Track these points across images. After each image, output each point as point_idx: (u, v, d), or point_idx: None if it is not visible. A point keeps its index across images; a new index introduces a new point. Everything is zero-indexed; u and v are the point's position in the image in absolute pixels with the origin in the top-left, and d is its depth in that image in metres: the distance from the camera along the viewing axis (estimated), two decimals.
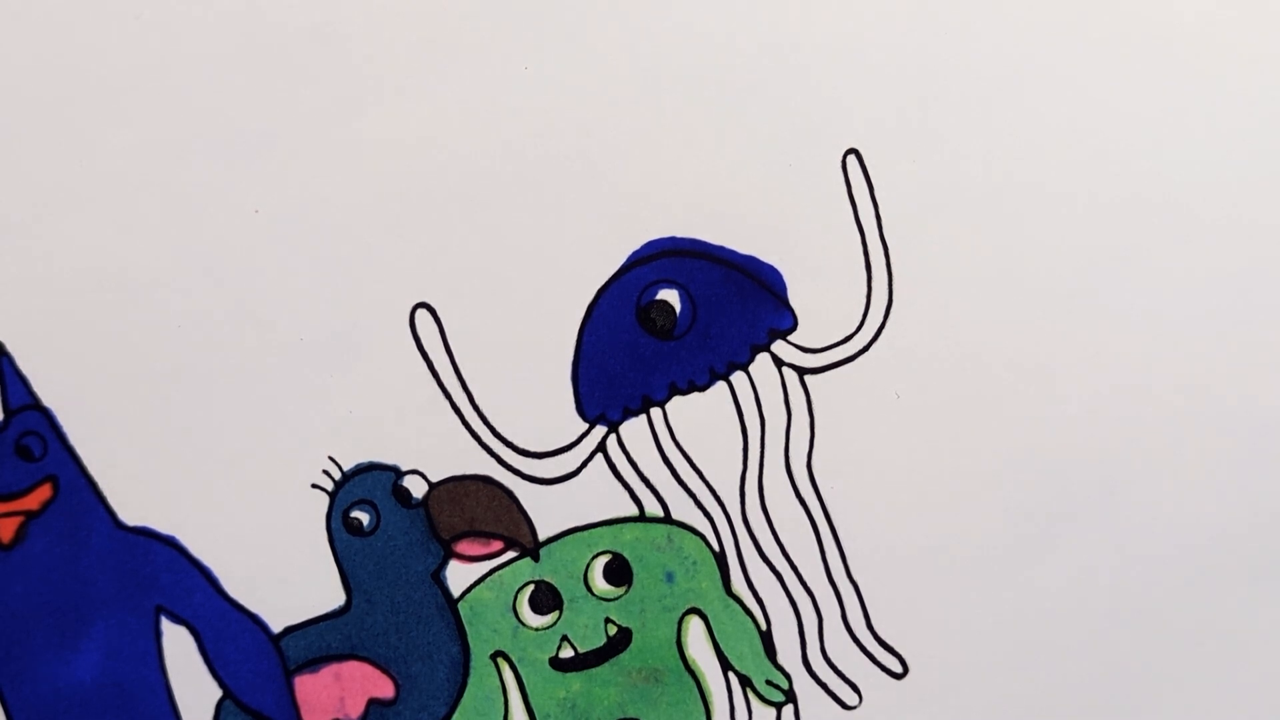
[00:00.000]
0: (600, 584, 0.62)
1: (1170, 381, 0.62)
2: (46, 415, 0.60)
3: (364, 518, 0.61)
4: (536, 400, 0.61)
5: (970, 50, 0.61)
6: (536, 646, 0.62)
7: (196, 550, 0.60)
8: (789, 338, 0.62)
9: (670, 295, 0.61)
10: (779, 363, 0.62)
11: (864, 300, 0.61)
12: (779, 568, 0.62)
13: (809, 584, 0.62)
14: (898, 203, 0.61)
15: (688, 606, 0.62)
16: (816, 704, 0.63)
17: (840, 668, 0.62)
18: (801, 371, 0.62)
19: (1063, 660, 0.63)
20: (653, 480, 0.62)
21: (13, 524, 0.60)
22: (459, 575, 0.62)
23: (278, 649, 0.61)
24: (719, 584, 0.62)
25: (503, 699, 0.62)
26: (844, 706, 0.63)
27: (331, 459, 0.61)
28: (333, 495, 0.61)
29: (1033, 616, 0.62)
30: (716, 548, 0.62)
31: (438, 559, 0.61)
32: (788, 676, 0.62)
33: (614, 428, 0.61)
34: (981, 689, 0.63)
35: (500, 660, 0.62)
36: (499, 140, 0.60)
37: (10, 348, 0.60)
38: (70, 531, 0.60)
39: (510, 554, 0.62)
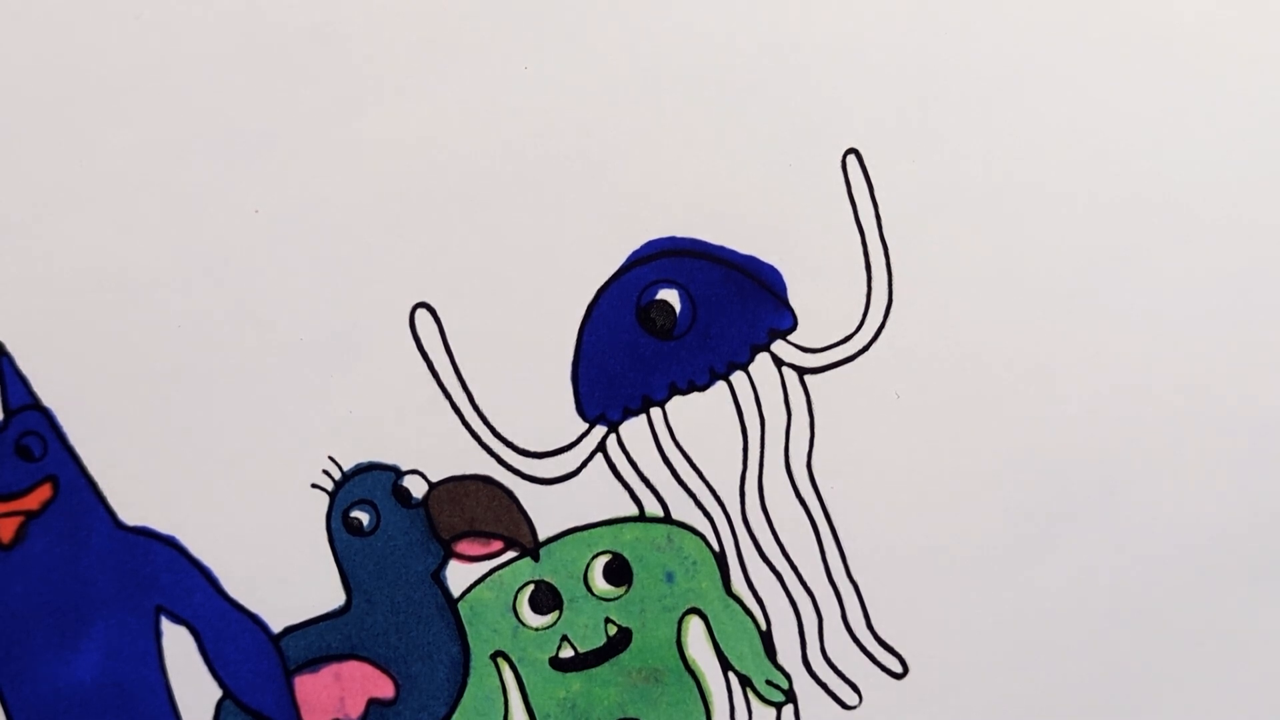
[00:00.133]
0: (600, 584, 0.62)
1: (1170, 381, 0.62)
2: (46, 415, 0.60)
3: (364, 518, 0.61)
4: (536, 400, 0.61)
5: (970, 50, 0.61)
6: (536, 646, 0.62)
7: (196, 550, 0.60)
8: (789, 338, 0.62)
9: (670, 295, 0.61)
10: (779, 363, 0.62)
11: (864, 300, 0.61)
12: (779, 568, 0.62)
13: (809, 584, 0.62)
14: (898, 203, 0.61)
15: (688, 606, 0.62)
16: (816, 704, 0.63)
17: (840, 668, 0.62)
18: (801, 371, 0.62)
19: (1063, 660, 0.63)
20: (653, 480, 0.62)
21: (13, 524, 0.60)
22: (459, 575, 0.62)
23: (278, 649, 0.61)
24: (719, 584, 0.62)
25: (503, 699, 0.62)
26: (844, 706, 0.63)
27: (331, 459, 0.61)
28: (333, 495, 0.61)
29: (1033, 616, 0.62)
30: (716, 548, 0.62)
31: (438, 559, 0.61)
32: (788, 676, 0.62)
33: (614, 428, 0.61)
34: (981, 689, 0.63)
35: (500, 660, 0.62)
36: (499, 140, 0.60)
37: (10, 348, 0.60)
38: (70, 531, 0.60)
39: (510, 554, 0.62)
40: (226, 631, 0.60)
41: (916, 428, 0.62)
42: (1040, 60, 0.61)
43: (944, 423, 0.62)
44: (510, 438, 0.61)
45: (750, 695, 0.63)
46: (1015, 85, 0.61)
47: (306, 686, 0.61)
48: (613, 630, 0.62)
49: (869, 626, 0.62)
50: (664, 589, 0.62)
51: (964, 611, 0.62)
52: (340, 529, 0.61)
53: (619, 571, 0.62)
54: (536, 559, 0.62)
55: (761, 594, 0.62)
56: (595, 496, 0.62)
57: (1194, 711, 0.63)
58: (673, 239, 0.61)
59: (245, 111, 0.60)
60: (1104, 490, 0.62)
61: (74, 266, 0.59)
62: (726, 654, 0.62)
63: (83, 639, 0.60)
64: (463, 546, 0.61)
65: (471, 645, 0.62)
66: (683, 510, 0.62)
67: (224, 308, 0.60)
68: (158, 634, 0.60)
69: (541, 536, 0.62)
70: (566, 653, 0.62)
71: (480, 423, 0.61)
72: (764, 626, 0.62)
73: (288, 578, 0.61)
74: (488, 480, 0.61)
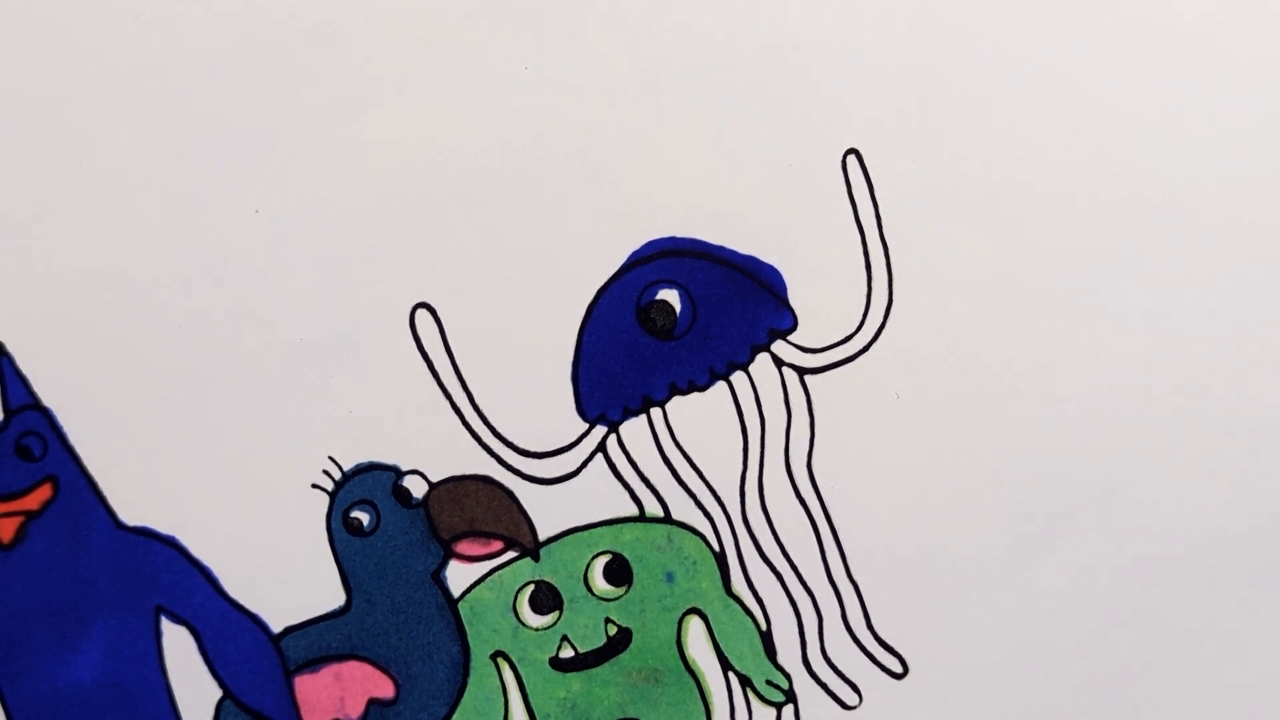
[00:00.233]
0: (600, 584, 0.62)
1: (1170, 381, 0.62)
2: (46, 415, 0.60)
3: (364, 518, 0.61)
4: (536, 400, 0.61)
5: (970, 50, 0.61)
6: (536, 646, 0.62)
7: (196, 550, 0.60)
8: (789, 338, 0.62)
9: (670, 295, 0.61)
10: (779, 363, 0.62)
11: (864, 300, 0.61)
12: (779, 568, 0.62)
13: (809, 584, 0.62)
14: (898, 203, 0.61)
15: (688, 606, 0.62)
16: (816, 704, 0.63)
17: (840, 668, 0.62)
18: (801, 371, 0.62)
19: (1063, 660, 0.63)
20: (653, 480, 0.62)
21: (13, 524, 0.60)
22: (459, 575, 0.62)
23: (278, 649, 0.61)
24: (719, 584, 0.62)
25: (503, 699, 0.62)
26: (844, 706, 0.63)
27: (331, 459, 0.61)
28: (333, 495, 0.61)
29: (1033, 616, 0.62)
30: (716, 548, 0.62)
31: (438, 559, 0.61)
32: (788, 676, 0.62)
33: (614, 428, 0.61)
34: (981, 689, 0.63)
35: (500, 660, 0.62)
36: (499, 140, 0.60)
37: (10, 348, 0.60)
38: (70, 531, 0.60)
39: (510, 554, 0.62)
40: (226, 631, 0.60)
41: (916, 428, 0.62)
42: (1040, 60, 0.61)
43: (944, 423, 0.62)
44: (510, 438, 0.61)
45: (750, 695, 0.63)
46: (1015, 85, 0.61)
47: (306, 686, 0.61)
48: (613, 630, 0.62)
49: (869, 626, 0.62)
50: (664, 589, 0.62)
51: (964, 611, 0.62)
52: (340, 529, 0.61)
53: (619, 571, 0.62)
54: (536, 559, 0.62)
55: (761, 594, 0.62)
56: (595, 496, 0.62)
57: (1194, 711, 0.63)
58: (673, 239, 0.61)
59: (245, 111, 0.60)
60: (1104, 490, 0.62)
61: (74, 266, 0.59)
62: (726, 654, 0.62)
63: (83, 639, 0.60)
64: (463, 546, 0.61)
65: (471, 645, 0.62)
66: (683, 510, 0.62)
67: (224, 308, 0.60)
68: (158, 634, 0.60)
69: (541, 536, 0.62)
70: (566, 653, 0.62)
71: (480, 423, 0.61)
72: (764, 626, 0.62)
73: (288, 578, 0.61)
74: (488, 480, 0.61)
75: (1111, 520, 0.62)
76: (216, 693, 0.61)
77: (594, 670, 0.62)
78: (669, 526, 0.62)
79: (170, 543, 0.60)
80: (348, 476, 0.61)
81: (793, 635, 0.62)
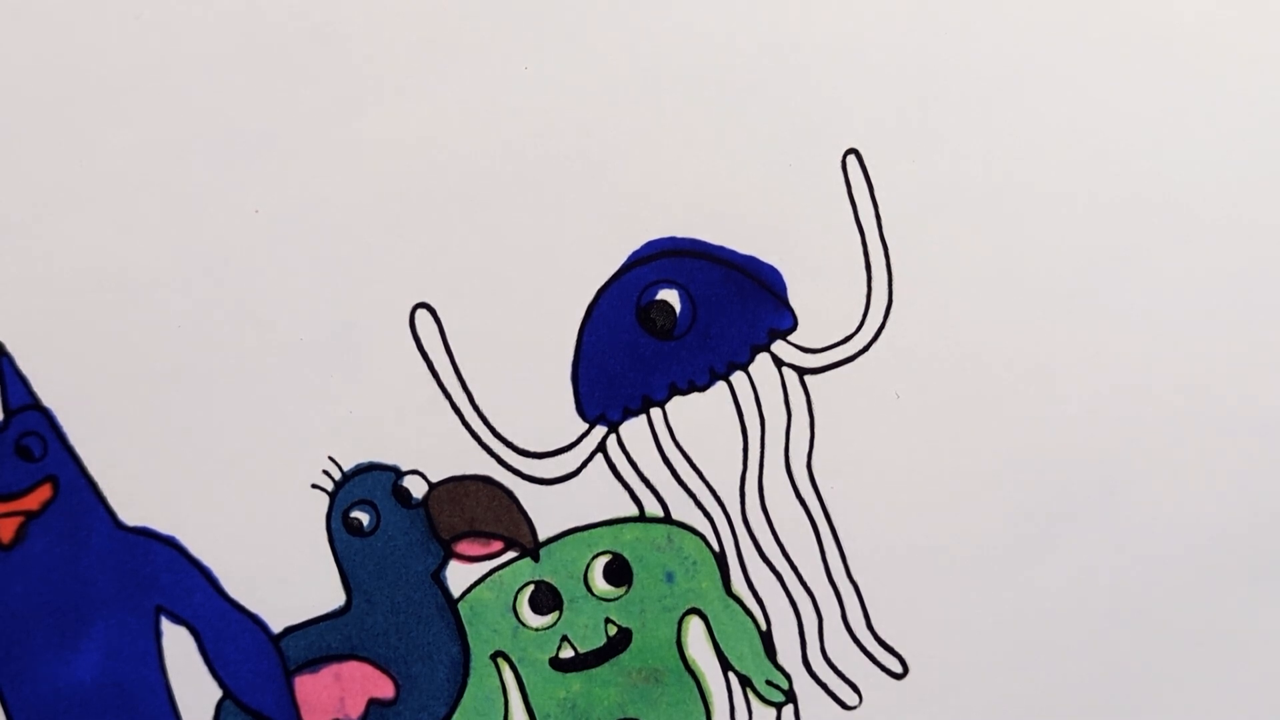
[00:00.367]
0: (600, 584, 0.62)
1: (1170, 381, 0.62)
2: (46, 415, 0.60)
3: (364, 518, 0.61)
4: (536, 400, 0.61)
5: (970, 50, 0.61)
6: (536, 646, 0.62)
7: (196, 550, 0.60)
8: (789, 338, 0.62)
9: (670, 295, 0.61)
10: (779, 363, 0.62)
11: (864, 300, 0.61)
12: (779, 568, 0.62)
13: (809, 584, 0.62)
14: (898, 203, 0.61)
15: (688, 606, 0.62)
16: (816, 704, 0.63)
17: (840, 668, 0.62)
18: (801, 371, 0.62)
19: (1063, 660, 0.63)
20: (653, 480, 0.62)
21: (13, 524, 0.60)
22: (459, 575, 0.62)
23: (278, 649, 0.61)
24: (719, 584, 0.62)
25: (503, 699, 0.62)
26: (844, 706, 0.63)
27: (331, 459, 0.61)
28: (333, 495, 0.61)
29: (1033, 616, 0.62)
30: (716, 548, 0.62)
31: (438, 559, 0.61)
32: (788, 676, 0.62)
33: (614, 428, 0.61)
34: (981, 689, 0.63)
35: (500, 660, 0.62)
36: (499, 140, 0.60)
37: (10, 348, 0.60)
38: (70, 531, 0.60)
39: (510, 554, 0.62)
40: (226, 631, 0.60)
41: (916, 428, 0.62)
42: (1040, 60, 0.61)
43: (944, 423, 0.62)
44: (510, 438, 0.61)
45: (750, 695, 0.63)
46: (1015, 85, 0.61)
47: (306, 686, 0.61)
48: (613, 630, 0.62)
49: (869, 626, 0.62)
50: (664, 589, 0.62)
51: (964, 611, 0.62)
52: (340, 529, 0.61)
53: (619, 572, 0.62)
54: (536, 559, 0.62)
55: (761, 594, 0.62)
56: (595, 496, 0.62)
57: (1194, 711, 0.63)
58: (673, 239, 0.61)
59: (245, 111, 0.60)
60: (1104, 490, 0.62)
61: (74, 266, 0.59)
62: (726, 654, 0.62)
63: (83, 639, 0.60)
64: (463, 547, 0.61)
65: (471, 645, 0.62)
66: (683, 510, 0.62)
67: (224, 308, 0.60)
68: (158, 634, 0.60)
69: (541, 536, 0.62)
70: (566, 653, 0.62)
71: (480, 423, 0.61)
72: (764, 626, 0.62)
73: (288, 578, 0.61)
74: (488, 480, 0.61)
75: (1111, 520, 0.62)
76: (216, 693, 0.61)
77: (594, 670, 0.62)
78: (669, 526, 0.62)
79: (170, 543, 0.60)
80: (348, 476, 0.61)
81: (793, 635, 0.62)
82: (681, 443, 0.62)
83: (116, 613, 0.60)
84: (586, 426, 0.61)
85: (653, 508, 0.62)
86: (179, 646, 0.61)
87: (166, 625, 0.60)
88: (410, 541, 0.61)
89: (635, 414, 0.61)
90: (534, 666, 0.62)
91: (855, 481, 0.62)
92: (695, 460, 0.62)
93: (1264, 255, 0.62)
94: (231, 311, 0.60)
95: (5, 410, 0.60)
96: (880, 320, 0.61)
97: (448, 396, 0.61)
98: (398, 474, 0.61)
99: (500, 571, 0.62)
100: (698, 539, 0.62)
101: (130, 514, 0.60)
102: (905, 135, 0.61)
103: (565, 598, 0.62)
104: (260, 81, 0.59)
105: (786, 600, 0.62)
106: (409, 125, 0.60)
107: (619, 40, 0.60)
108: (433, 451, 0.61)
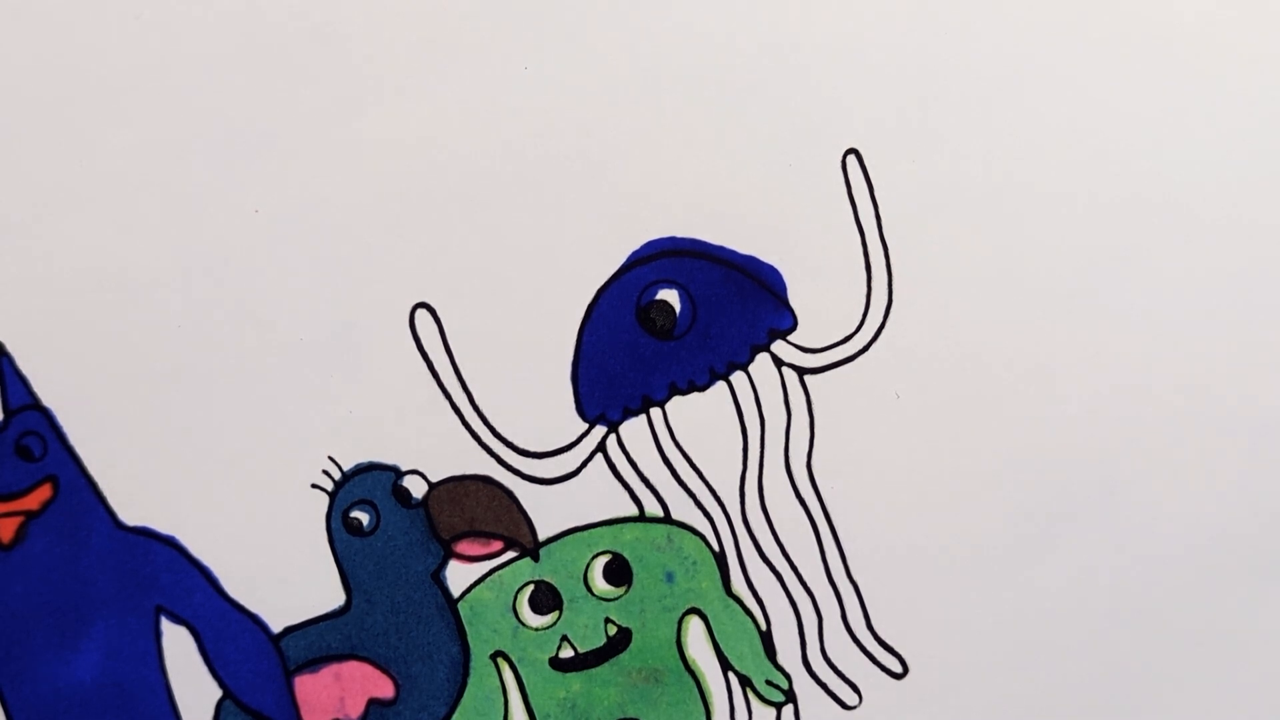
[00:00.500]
0: (600, 584, 0.62)
1: (1170, 381, 0.62)
2: (46, 415, 0.60)
3: (364, 518, 0.61)
4: (536, 400, 0.61)
5: (970, 50, 0.61)
6: (536, 646, 0.62)
7: (196, 550, 0.60)
8: (789, 338, 0.62)
9: (670, 295, 0.61)
10: (779, 363, 0.62)
11: (864, 300, 0.61)
12: (779, 568, 0.62)
13: (809, 584, 0.62)
14: (898, 203, 0.61)
15: (688, 606, 0.62)
16: (816, 704, 0.63)
17: (840, 668, 0.62)
18: (801, 371, 0.62)
19: (1063, 660, 0.63)
20: (653, 480, 0.62)
21: (13, 524, 0.60)
22: (459, 575, 0.62)
23: (278, 649, 0.61)
24: (719, 584, 0.62)
25: (503, 699, 0.62)
26: (844, 706, 0.63)
27: (331, 459, 0.61)
28: (333, 495, 0.61)
29: (1033, 616, 0.62)
30: (716, 548, 0.62)
31: (438, 559, 0.61)
32: (788, 676, 0.62)
33: (614, 428, 0.61)
34: (981, 689, 0.63)
35: (500, 660, 0.62)
36: (499, 140, 0.60)
37: (10, 348, 0.60)
38: (70, 531, 0.60)
39: (510, 554, 0.62)
40: (226, 631, 0.60)
41: (916, 428, 0.62)
42: (1040, 60, 0.61)
43: (944, 423, 0.62)
44: (510, 438, 0.61)
45: (750, 695, 0.63)
46: (1015, 85, 0.61)
47: (306, 686, 0.61)
48: (613, 630, 0.62)
49: (869, 626, 0.62)
50: (664, 589, 0.62)
51: (964, 611, 0.62)
52: (340, 529, 0.61)
53: (619, 571, 0.62)
54: (536, 559, 0.62)
55: (761, 594, 0.62)
56: (595, 496, 0.62)
57: (1194, 711, 0.63)
58: (673, 239, 0.61)
59: (245, 111, 0.60)
60: (1104, 490, 0.62)
61: (74, 266, 0.59)
62: (726, 654, 0.62)
63: (83, 639, 0.60)
64: (463, 546, 0.61)
65: (471, 645, 0.62)
66: (683, 510, 0.62)
67: (224, 308, 0.60)
68: (158, 634, 0.60)
69: (541, 536, 0.62)
70: (566, 653, 0.62)
71: (480, 423, 0.61)
72: (764, 626, 0.62)
73: (288, 578, 0.61)
74: (488, 480, 0.61)
75: (1111, 520, 0.62)
76: (216, 693, 0.61)
77: (594, 670, 0.62)
78: (669, 526, 0.62)
79: (170, 543, 0.60)
80: (348, 476, 0.61)
81: (793, 635, 0.62)
82: (681, 443, 0.62)
83: (116, 613, 0.60)
84: (586, 426, 0.61)
85: (653, 508, 0.62)
86: (179, 646, 0.61)
87: (166, 625, 0.60)
88: (410, 541, 0.61)
89: (635, 414, 0.61)
90: (534, 666, 0.62)
91: (855, 481, 0.62)
92: (695, 460, 0.62)
93: (1264, 255, 0.62)
94: (231, 311, 0.60)
95: (5, 410, 0.60)
96: (880, 320, 0.61)
97: (448, 396, 0.61)
98: (398, 474, 0.61)
99: (500, 571, 0.62)
100: (698, 539, 0.62)
101: (130, 514, 0.60)
102: (905, 135, 0.61)
103: (565, 598, 0.62)
104: (260, 81, 0.59)
105: (786, 600, 0.62)
106: (409, 125, 0.60)
107: (619, 40, 0.60)
108: (433, 451, 0.61)
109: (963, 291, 0.61)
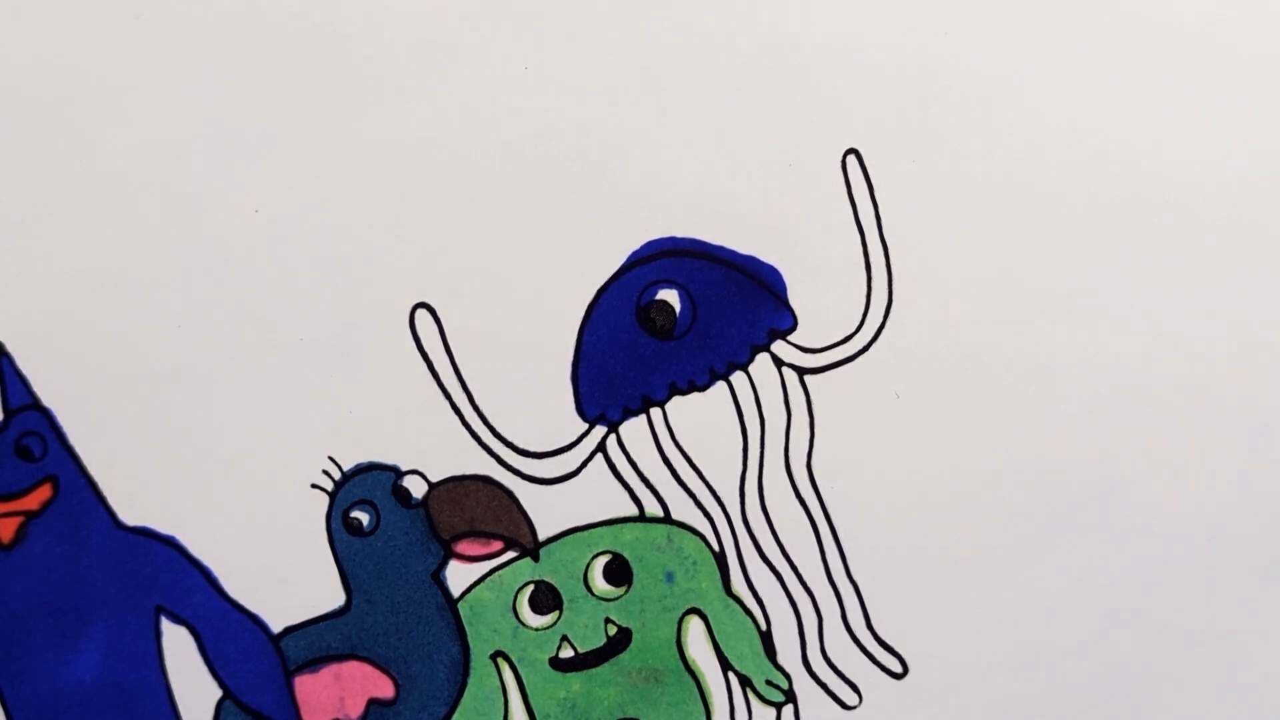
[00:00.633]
0: (600, 584, 0.62)
1: (1170, 381, 0.62)
2: (46, 415, 0.60)
3: (364, 518, 0.61)
4: (536, 400, 0.61)
5: (970, 50, 0.61)
6: (536, 646, 0.62)
7: (196, 550, 0.60)
8: (789, 338, 0.62)
9: (670, 295, 0.61)
10: (779, 363, 0.62)
11: (864, 300, 0.61)
12: (779, 568, 0.62)
13: (809, 584, 0.62)
14: (898, 203, 0.61)
15: (688, 606, 0.62)
16: (816, 704, 0.63)
17: (840, 668, 0.62)
18: (801, 371, 0.62)
19: (1063, 660, 0.63)
20: (653, 480, 0.62)
21: (13, 524, 0.60)
22: (459, 575, 0.62)
23: (278, 649, 0.61)
24: (719, 584, 0.62)
25: (503, 699, 0.62)
26: (844, 706, 0.63)
27: (331, 459, 0.61)
28: (333, 495, 0.61)
29: (1033, 616, 0.62)
30: (716, 548, 0.62)
31: (438, 559, 0.61)
32: (788, 676, 0.62)
33: (614, 428, 0.61)
34: (981, 689, 0.63)
35: (500, 660, 0.62)
36: (499, 140, 0.60)
37: (10, 348, 0.60)
38: (70, 531, 0.60)
39: (510, 554, 0.62)
40: (226, 631, 0.60)
41: (916, 428, 0.62)
42: (1040, 60, 0.61)
43: (944, 423, 0.62)
44: (510, 438, 0.61)
45: (750, 695, 0.63)
46: (1015, 85, 0.61)
47: (306, 686, 0.61)
48: (613, 630, 0.62)
49: (869, 626, 0.62)
50: (664, 589, 0.62)
51: (964, 611, 0.62)
52: (340, 529, 0.61)
53: (619, 571, 0.62)
54: (536, 559, 0.62)
55: (761, 594, 0.62)
56: (595, 496, 0.62)
57: (1194, 711, 0.63)
58: (673, 239, 0.61)
59: (245, 111, 0.60)
60: (1104, 490, 0.62)
61: (74, 266, 0.59)
62: (726, 654, 0.62)
63: (83, 639, 0.60)
64: (463, 546, 0.61)
65: (471, 645, 0.62)
66: (683, 510, 0.62)
67: (224, 308, 0.60)
68: (158, 634, 0.60)
69: (541, 536, 0.62)
70: (566, 653, 0.62)
71: (480, 423, 0.61)
72: (764, 626, 0.62)
73: (288, 578, 0.61)
74: (488, 480, 0.61)
75: (1111, 520, 0.62)
76: (216, 693, 0.61)
77: (594, 670, 0.62)
78: (669, 526, 0.62)
79: (170, 543, 0.60)
80: (347, 476, 0.61)
81: (793, 635, 0.62)
82: (681, 443, 0.62)
83: (116, 613, 0.60)
84: (586, 426, 0.61)
85: (653, 508, 0.62)
86: (179, 646, 0.61)
87: (166, 625, 0.60)
88: (410, 541, 0.61)
89: (635, 414, 0.61)
90: (534, 666, 0.62)
91: (855, 481, 0.62)
92: (695, 460, 0.62)
93: (1264, 255, 0.62)
94: (231, 311, 0.60)
95: (5, 410, 0.60)
96: (880, 320, 0.61)
97: (448, 396, 0.61)
98: (398, 474, 0.61)
99: (500, 571, 0.62)
100: (698, 539, 0.62)
101: (130, 514, 0.60)
102: (905, 135, 0.61)
103: (565, 598, 0.62)
104: (260, 81, 0.59)
105: (786, 600, 0.62)
106: (409, 125, 0.60)
107: (619, 40, 0.60)
108: (433, 451, 0.61)
109: (963, 291, 0.61)
